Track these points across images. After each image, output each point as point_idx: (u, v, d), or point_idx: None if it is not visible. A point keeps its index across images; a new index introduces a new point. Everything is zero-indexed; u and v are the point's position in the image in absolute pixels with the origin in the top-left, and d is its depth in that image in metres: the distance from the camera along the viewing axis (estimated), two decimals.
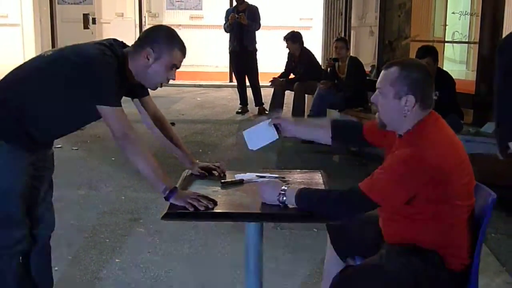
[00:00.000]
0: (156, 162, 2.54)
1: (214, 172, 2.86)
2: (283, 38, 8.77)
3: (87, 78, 2.50)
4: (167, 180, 2.49)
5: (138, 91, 2.84)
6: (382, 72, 2.38)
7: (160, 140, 2.94)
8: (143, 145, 2.54)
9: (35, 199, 2.78)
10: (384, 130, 2.43)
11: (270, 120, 2.76)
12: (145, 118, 2.91)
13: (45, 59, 2.66)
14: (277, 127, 2.75)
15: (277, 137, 2.76)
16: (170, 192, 2.44)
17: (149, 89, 2.81)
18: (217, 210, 2.46)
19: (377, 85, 2.38)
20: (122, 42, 2.70)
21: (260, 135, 2.76)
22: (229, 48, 9.60)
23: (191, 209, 2.36)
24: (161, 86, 2.70)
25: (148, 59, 2.57)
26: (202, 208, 2.36)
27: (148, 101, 2.90)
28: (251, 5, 9.46)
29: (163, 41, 2.59)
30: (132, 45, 2.66)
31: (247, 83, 9.66)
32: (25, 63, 2.73)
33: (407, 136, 2.33)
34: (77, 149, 6.88)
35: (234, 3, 9.78)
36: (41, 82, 2.59)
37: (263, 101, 9.39)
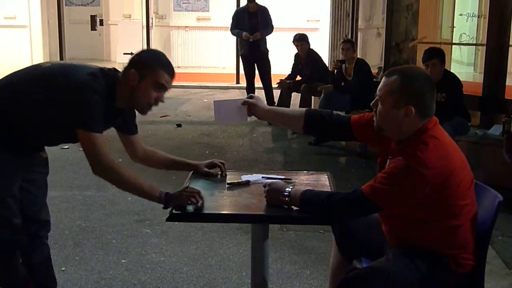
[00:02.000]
0: (138, 179, 2.56)
1: (216, 169, 2.88)
2: (293, 40, 8.76)
3: (73, 101, 2.51)
4: (157, 191, 2.52)
5: (129, 127, 2.85)
6: (383, 79, 2.36)
7: (154, 167, 3.00)
8: (121, 168, 2.55)
9: (28, 202, 2.79)
10: (380, 133, 2.42)
11: (243, 99, 2.76)
12: (132, 155, 2.92)
13: (41, 71, 2.68)
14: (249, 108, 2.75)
15: (246, 120, 2.78)
16: (164, 199, 2.48)
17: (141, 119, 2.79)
18: (223, 211, 2.47)
19: (377, 91, 2.36)
20: (115, 69, 2.71)
21: (230, 112, 2.77)
22: (241, 51, 9.56)
23: (195, 203, 2.40)
24: (150, 109, 2.69)
25: (134, 81, 2.58)
26: (198, 204, 2.40)
27: (137, 139, 2.90)
28: (262, 7, 9.37)
29: (147, 62, 2.61)
30: (122, 71, 2.67)
31: (259, 85, 9.62)
32: (20, 70, 2.74)
33: (406, 142, 2.32)
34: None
35: (242, 3, 9.70)
36: (31, 94, 2.60)
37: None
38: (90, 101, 2.50)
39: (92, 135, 2.51)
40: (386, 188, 2.23)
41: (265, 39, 9.33)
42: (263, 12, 9.26)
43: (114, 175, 2.54)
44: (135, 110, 2.80)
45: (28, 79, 2.66)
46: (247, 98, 2.79)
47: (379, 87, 2.36)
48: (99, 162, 2.53)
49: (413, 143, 2.27)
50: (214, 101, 2.81)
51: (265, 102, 9.01)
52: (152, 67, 2.59)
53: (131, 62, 2.63)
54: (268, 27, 9.25)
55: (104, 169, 2.54)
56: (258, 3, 9.44)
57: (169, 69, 2.63)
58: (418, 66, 5.19)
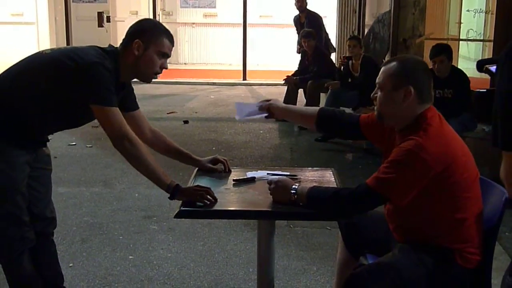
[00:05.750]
0: (155, 162, 2.55)
1: (220, 165, 2.89)
2: (300, 37, 8.74)
3: (85, 79, 2.51)
4: (168, 179, 2.51)
5: (130, 103, 2.84)
6: (382, 68, 2.42)
7: (161, 152, 2.98)
8: (141, 145, 2.55)
9: (33, 199, 2.79)
10: (381, 122, 2.45)
11: (260, 104, 2.82)
12: (140, 133, 2.86)
13: (44, 58, 2.67)
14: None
15: (264, 117, 2.85)
16: (173, 190, 2.47)
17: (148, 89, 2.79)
18: (230, 208, 2.48)
19: (377, 80, 2.42)
20: (111, 45, 2.74)
21: (249, 112, 2.86)
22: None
23: (202, 202, 2.40)
24: (155, 77, 2.72)
25: (138, 51, 2.61)
26: (207, 202, 2.40)
27: (140, 115, 2.90)
28: (311, 15, 9.41)
29: (149, 31, 2.64)
30: (120, 44, 2.69)
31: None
32: (22, 60, 2.73)
33: (407, 129, 2.35)
34: (91, 147, 6.93)
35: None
36: (36, 80, 2.61)
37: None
38: (103, 76, 2.51)
39: (108, 109, 2.51)
40: (390, 177, 2.25)
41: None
42: (310, 21, 9.21)
43: (132, 147, 2.50)
44: (132, 86, 2.83)
45: (31, 68, 2.66)
46: (263, 101, 2.84)
47: (378, 76, 2.41)
48: (118, 135, 2.51)
49: (413, 130, 2.30)
50: (235, 102, 2.93)
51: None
52: (156, 36, 2.63)
53: (133, 33, 2.66)
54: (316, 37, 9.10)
55: (123, 141, 2.50)
56: (311, 10, 9.48)
57: (171, 37, 2.70)
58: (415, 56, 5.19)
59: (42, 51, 2.77)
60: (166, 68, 2.72)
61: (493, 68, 5.67)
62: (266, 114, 2.82)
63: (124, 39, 2.68)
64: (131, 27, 2.71)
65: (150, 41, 2.62)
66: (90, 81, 2.51)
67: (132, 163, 2.56)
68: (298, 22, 9.57)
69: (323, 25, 9.48)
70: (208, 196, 2.41)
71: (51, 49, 2.77)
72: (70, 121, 2.82)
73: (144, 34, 2.63)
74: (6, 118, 2.61)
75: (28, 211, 2.74)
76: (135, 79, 2.75)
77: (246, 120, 2.90)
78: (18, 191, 2.66)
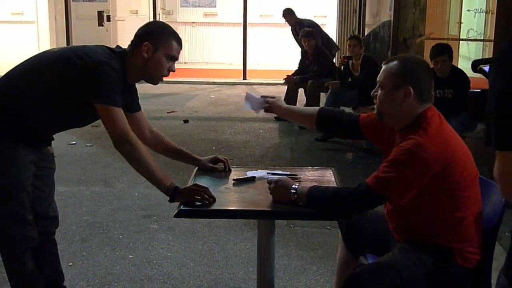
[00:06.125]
0: (155, 164, 2.55)
1: (220, 165, 2.89)
2: (300, 36, 8.74)
3: (91, 77, 2.52)
4: (168, 180, 2.52)
5: (133, 104, 2.85)
6: (383, 67, 2.43)
7: (161, 152, 2.98)
8: (142, 147, 2.55)
9: (37, 198, 2.79)
10: (380, 120, 2.46)
11: (265, 99, 2.86)
12: (140, 134, 2.86)
13: (52, 56, 2.68)
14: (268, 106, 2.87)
15: (258, 112, 2.89)
16: (172, 192, 2.47)
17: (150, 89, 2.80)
18: (230, 207, 2.48)
19: (378, 79, 2.43)
20: (119, 46, 2.75)
21: (253, 103, 2.90)
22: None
23: (205, 203, 2.40)
24: (162, 80, 2.73)
25: (147, 53, 2.61)
26: (206, 202, 2.40)
27: (142, 116, 2.90)
28: (303, 22, 9.46)
29: (158, 34, 2.65)
30: (129, 45, 2.70)
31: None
32: (29, 58, 2.73)
33: (407, 128, 2.35)
34: (91, 146, 6.93)
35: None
36: (43, 77, 2.61)
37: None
38: (109, 76, 2.52)
39: (113, 109, 2.51)
40: (390, 176, 2.26)
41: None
42: (300, 28, 9.24)
43: (133, 150, 2.52)
44: (136, 87, 2.84)
45: (39, 66, 2.66)
46: (269, 96, 2.87)
47: (379, 74, 2.42)
48: (120, 135, 2.51)
49: (413, 130, 2.30)
50: (247, 92, 3.01)
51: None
52: (165, 39, 2.63)
53: (142, 35, 2.66)
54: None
55: (124, 142, 2.51)
56: (304, 18, 9.59)
57: (179, 40, 2.70)
58: (417, 55, 5.18)
59: (50, 49, 2.79)
60: (174, 71, 2.72)
61: (486, 68, 5.69)
62: (258, 112, 2.86)
63: (132, 41, 2.68)
64: (140, 29, 2.71)
65: (159, 44, 2.62)
66: (97, 80, 2.52)
67: (132, 165, 2.57)
68: (295, 33, 9.56)
69: (320, 27, 9.48)
70: (206, 196, 2.41)
71: (59, 48, 2.78)
72: (75, 120, 2.83)
73: (153, 37, 2.63)
74: (12, 117, 2.61)
75: (32, 210, 2.74)
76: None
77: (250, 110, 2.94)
78: (23, 190, 2.67)
